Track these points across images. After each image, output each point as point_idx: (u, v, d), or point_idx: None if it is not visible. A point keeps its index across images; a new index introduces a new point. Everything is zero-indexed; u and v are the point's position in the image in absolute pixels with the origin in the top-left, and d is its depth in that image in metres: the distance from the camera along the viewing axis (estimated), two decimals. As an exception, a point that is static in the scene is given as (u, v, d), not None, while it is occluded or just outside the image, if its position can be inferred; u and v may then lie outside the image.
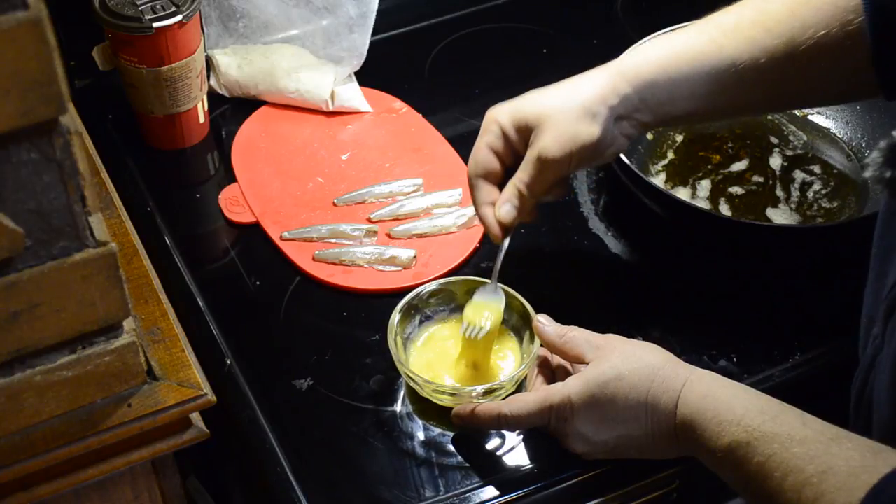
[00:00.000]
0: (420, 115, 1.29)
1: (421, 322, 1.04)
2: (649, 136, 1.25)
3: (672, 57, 0.98)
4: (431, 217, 1.17)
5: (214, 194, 1.20)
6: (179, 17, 1.15)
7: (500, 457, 0.97)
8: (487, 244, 1.13)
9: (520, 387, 0.99)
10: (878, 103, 1.23)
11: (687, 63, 0.98)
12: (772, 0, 0.98)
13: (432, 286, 1.04)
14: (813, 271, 1.12)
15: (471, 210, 1.16)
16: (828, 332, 1.07)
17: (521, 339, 1.02)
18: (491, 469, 0.96)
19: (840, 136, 1.25)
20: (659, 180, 1.20)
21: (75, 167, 0.70)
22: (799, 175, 1.22)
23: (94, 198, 0.73)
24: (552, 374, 0.98)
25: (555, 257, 1.14)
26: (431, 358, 1.02)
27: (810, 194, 1.19)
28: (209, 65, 1.29)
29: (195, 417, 0.87)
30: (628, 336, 1.05)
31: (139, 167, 1.23)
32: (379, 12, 1.25)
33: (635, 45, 1.06)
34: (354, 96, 1.29)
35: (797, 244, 1.13)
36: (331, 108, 1.28)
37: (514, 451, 0.97)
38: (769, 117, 1.28)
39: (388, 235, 1.15)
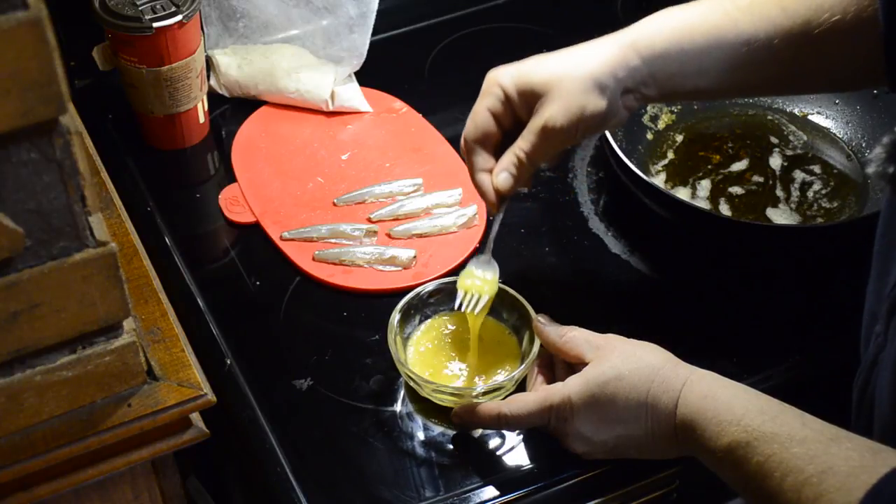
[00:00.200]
0: (420, 115, 1.29)
1: (421, 322, 1.04)
2: (649, 135, 1.25)
3: (686, 30, 0.96)
4: (431, 217, 1.17)
5: (214, 194, 1.20)
6: (179, 17, 1.15)
7: (500, 457, 0.97)
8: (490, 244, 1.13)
9: (520, 387, 0.99)
10: (878, 103, 1.23)
11: (701, 36, 0.95)
12: None
13: (432, 286, 1.04)
14: (813, 271, 1.12)
15: (471, 210, 1.16)
16: (828, 331, 1.07)
17: (521, 339, 1.02)
18: (491, 469, 0.96)
19: (840, 136, 1.25)
20: (659, 180, 1.20)
21: (75, 167, 0.70)
22: (799, 175, 1.22)
23: (94, 198, 0.73)
24: (552, 374, 0.98)
25: (555, 257, 1.14)
26: (429, 349, 1.02)
27: (810, 194, 1.19)
28: (209, 65, 1.29)
29: (195, 417, 0.87)
30: (628, 336, 1.05)
31: (139, 167, 1.23)
32: (379, 12, 1.25)
33: (649, 18, 1.00)
34: (354, 96, 1.29)
35: (797, 244, 1.13)
36: (331, 108, 1.28)
37: (514, 451, 0.97)
38: (769, 117, 1.28)
39: (388, 235, 1.15)
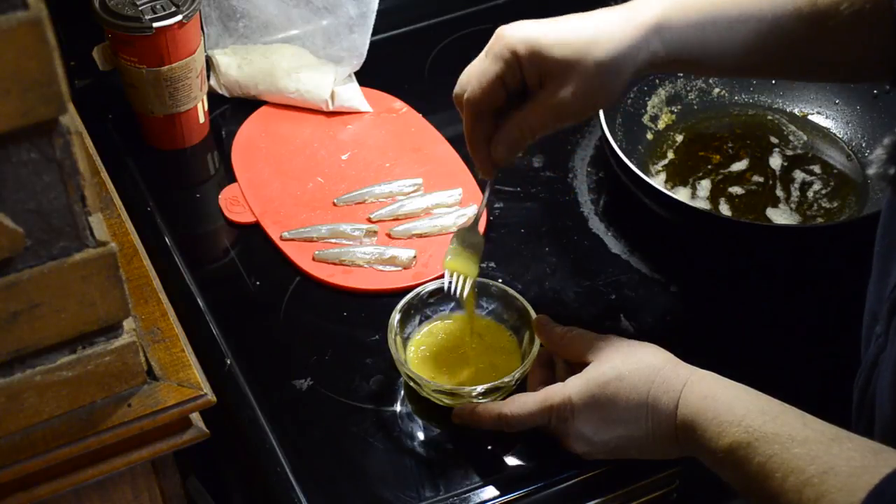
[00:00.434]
0: (420, 115, 1.29)
1: (421, 322, 1.04)
2: (649, 135, 1.25)
3: (713, 8, 0.91)
4: (431, 217, 1.17)
5: (214, 194, 1.20)
6: (179, 17, 1.15)
7: (500, 457, 0.97)
8: (487, 244, 1.13)
9: (520, 387, 0.99)
10: (879, 103, 1.23)
11: (727, 15, 0.91)
12: None
13: (432, 286, 1.04)
14: (813, 271, 1.12)
15: (471, 210, 1.16)
16: (828, 331, 1.07)
17: (521, 339, 1.02)
18: (491, 469, 0.96)
19: (840, 136, 1.25)
20: (659, 180, 1.20)
21: (75, 167, 0.70)
22: (799, 175, 1.22)
23: (94, 198, 0.73)
24: (552, 374, 0.98)
25: (555, 257, 1.14)
26: (429, 349, 1.02)
27: (810, 194, 1.19)
28: (209, 65, 1.29)
29: (195, 417, 0.87)
30: (628, 336, 1.05)
31: (139, 167, 1.23)
32: (379, 12, 1.25)
33: None
34: (354, 96, 1.29)
35: (797, 244, 1.13)
36: (331, 108, 1.28)
37: (514, 451, 0.97)
38: (769, 117, 1.28)
39: (388, 235, 1.15)
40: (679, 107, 1.28)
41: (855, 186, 1.20)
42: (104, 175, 1.04)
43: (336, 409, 1.00)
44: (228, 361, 1.04)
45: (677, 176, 1.22)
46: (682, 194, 1.19)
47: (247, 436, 0.99)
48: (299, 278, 1.12)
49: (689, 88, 1.29)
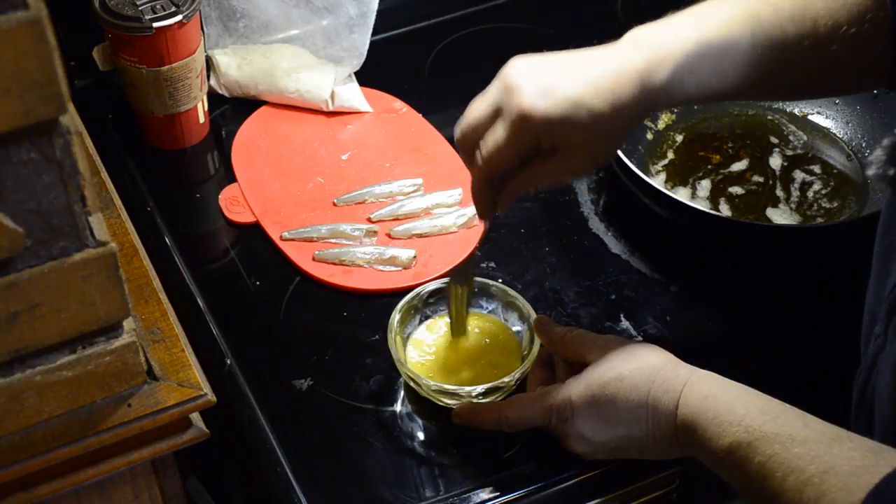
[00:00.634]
0: (420, 115, 1.29)
1: (421, 322, 1.04)
2: (649, 135, 1.25)
3: (713, 41, 0.91)
4: (431, 217, 1.17)
5: (214, 194, 1.20)
6: (179, 17, 1.15)
7: (500, 457, 0.97)
8: (487, 244, 1.13)
9: (520, 387, 0.99)
10: (879, 103, 1.23)
11: (723, 47, 0.91)
12: None
13: (432, 286, 1.04)
14: (813, 271, 1.12)
15: (471, 210, 1.16)
16: (828, 331, 1.07)
17: (521, 339, 1.02)
18: (491, 469, 0.96)
19: (840, 136, 1.25)
20: (659, 180, 1.20)
21: (75, 167, 0.70)
22: (799, 175, 1.22)
23: (94, 198, 0.73)
24: (552, 374, 0.98)
25: (555, 257, 1.14)
26: (429, 349, 1.02)
27: (810, 194, 1.19)
28: (209, 65, 1.29)
29: (195, 417, 0.87)
30: (628, 336, 1.05)
31: (139, 167, 1.23)
32: (379, 12, 1.25)
33: (675, 27, 0.93)
34: (354, 96, 1.29)
35: (797, 244, 1.13)
36: (331, 108, 1.28)
37: (514, 451, 0.97)
38: (769, 117, 1.28)
39: (388, 235, 1.15)
40: (679, 107, 1.28)
41: (855, 186, 1.20)
42: (104, 175, 1.04)
43: (336, 409, 1.00)
44: (228, 361, 1.04)
45: (677, 176, 1.22)
46: (682, 194, 1.19)
47: (247, 436, 0.99)
48: (299, 278, 1.12)
49: (689, 88, 1.29)
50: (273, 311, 1.09)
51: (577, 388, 0.91)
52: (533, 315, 1.00)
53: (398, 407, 1.01)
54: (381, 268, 1.12)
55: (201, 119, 1.26)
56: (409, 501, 0.94)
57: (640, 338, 1.05)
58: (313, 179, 1.22)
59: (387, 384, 1.02)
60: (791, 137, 1.26)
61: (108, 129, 1.27)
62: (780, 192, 1.20)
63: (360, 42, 1.26)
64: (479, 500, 0.94)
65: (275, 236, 1.15)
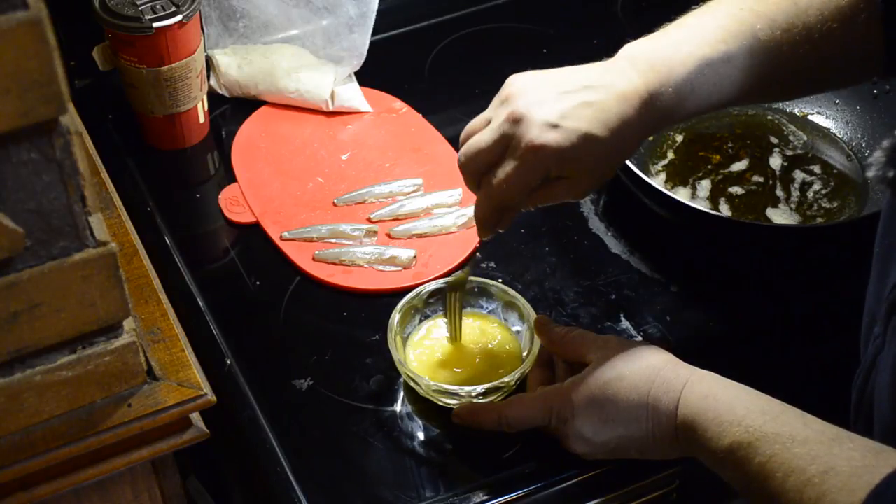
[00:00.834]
0: (420, 115, 1.29)
1: (421, 322, 1.04)
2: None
3: (707, 53, 0.92)
4: (431, 217, 1.17)
5: (214, 194, 1.20)
6: (179, 17, 1.15)
7: (500, 457, 0.97)
8: (487, 244, 1.13)
9: (520, 387, 0.99)
10: (879, 103, 1.23)
11: (721, 55, 0.92)
12: None
13: (432, 286, 1.04)
14: (813, 271, 1.12)
15: (471, 210, 1.16)
16: (828, 332, 1.07)
17: (521, 339, 1.02)
18: (491, 469, 0.96)
19: (840, 136, 1.25)
20: (659, 180, 1.20)
21: (75, 167, 0.70)
22: (799, 175, 1.22)
23: (94, 198, 0.73)
24: (552, 374, 0.98)
25: (555, 257, 1.14)
26: (429, 349, 1.02)
27: (810, 194, 1.19)
28: (209, 65, 1.29)
29: (195, 417, 0.87)
30: (628, 336, 1.05)
31: (139, 167, 1.23)
32: (379, 12, 1.25)
33: (671, 42, 0.93)
34: (354, 96, 1.29)
35: (797, 244, 1.13)
36: (331, 108, 1.28)
37: (514, 451, 0.97)
38: (769, 117, 1.28)
39: (388, 235, 1.15)
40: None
41: (855, 186, 1.20)
42: (104, 175, 1.04)
43: (336, 409, 1.00)
44: (228, 361, 1.04)
45: (677, 176, 1.22)
46: (682, 194, 1.19)
47: (247, 436, 0.99)
48: (299, 278, 1.12)
49: (689, 88, 1.29)
50: (273, 311, 1.09)
51: (577, 388, 0.91)
52: (533, 315, 1.00)
53: (398, 407, 1.01)
54: (381, 268, 1.12)
55: (201, 119, 1.26)
56: (409, 501, 0.94)
57: (640, 338, 1.06)
58: (313, 179, 1.22)
59: (387, 384, 1.02)
60: (791, 137, 1.26)
61: (108, 129, 1.27)
62: (780, 192, 1.20)
63: (360, 42, 1.26)
64: (479, 500, 0.94)
65: (275, 236, 1.15)
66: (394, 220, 1.17)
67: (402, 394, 1.02)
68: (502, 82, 0.94)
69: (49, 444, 0.80)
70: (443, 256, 1.13)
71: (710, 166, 1.23)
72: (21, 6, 0.62)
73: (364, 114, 1.29)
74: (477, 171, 0.92)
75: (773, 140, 1.26)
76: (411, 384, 0.99)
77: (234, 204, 1.19)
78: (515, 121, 0.89)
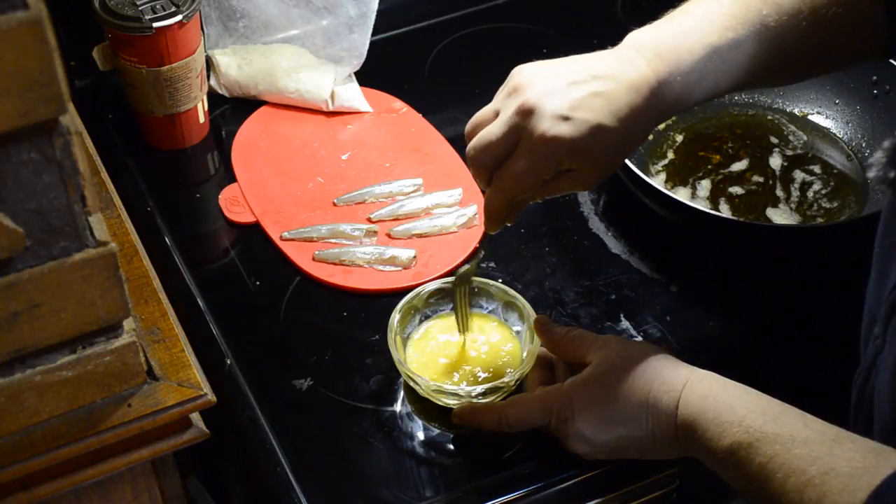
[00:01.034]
0: (420, 115, 1.29)
1: (421, 322, 1.04)
2: (649, 136, 1.25)
3: (715, 42, 0.91)
4: (431, 217, 1.17)
5: (214, 194, 1.20)
6: (179, 17, 1.15)
7: (500, 457, 0.97)
8: (488, 244, 1.13)
9: (520, 387, 0.99)
10: (879, 103, 1.23)
11: (728, 43, 0.92)
12: None
13: (432, 286, 1.04)
14: (813, 271, 1.12)
15: (471, 210, 1.16)
16: (828, 332, 1.07)
17: (521, 339, 1.02)
18: (491, 469, 0.96)
19: (840, 136, 1.25)
20: (659, 180, 1.20)
21: (75, 167, 0.70)
22: (799, 175, 1.22)
23: (94, 198, 0.73)
24: (552, 374, 0.98)
25: (555, 257, 1.14)
26: (429, 349, 1.02)
27: (810, 194, 1.19)
28: (209, 65, 1.29)
29: (195, 417, 0.87)
30: (628, 336, 1.05)
31: (139, 167, 1.23)
32: (379, 12, 1.25)
33: (678, 31, 0.93)
34: (354, 96, 1.29)
35: (797, 244, 1.13)
36: (331, 108, 1.28)
37: (514, 451, 0.97)
38: (769, 117, 1.28)
39: (388, 235, 1.15)
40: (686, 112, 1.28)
41: (855, 186, 1.20)
42: (104, 175, 1.04)
43: (336, 409, 1.00)
44: (228, 361, 1.04)
45: (677, 176, 1.22)
46: (682, 194, 1.19)
47: (247, 436, 0.99)
48: (299, 278, 1.12)
49: (689, 88, 1.29)
50: (273, 311, 1.09)
51: (577, 388, 0.91)
52: (533, 315, 1.00)
53: (398, 407, 1.01)
54: (381, 268, 1.12)
55: (201, 119, 1.26)
56: (409, 501, 0.94)
57: (640, 338, 1.06)
58: (313, 179, 1.22)
59: (387, 384, 1.02)
60: (791, 137, 1.26)
61: (108, 129, 1.27)
62: (780, 192, 1.20)
63: (360, 42, 1.26)
64: (479, 500, 0.94)
65: (275, 236, 1.15)
66: (394, 220, 1.17)
67: (402, 394, 1.02)
68: (502, 82, 0.94)
69: (49, 444, 0.80)
70: (443, 256, 1.13)
71: (710, 166, 1.23)
72: (21, 6, 0.62)
73: (364, 114, 1.29)
74: (487, 165, 0.91)
75: (773, 140, 1.26)
76: (411, 384, 0.99)
77: (234, 204, 1.19)
78: (526, 113, 0.88)
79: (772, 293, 1.11)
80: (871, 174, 0.80)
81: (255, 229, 1.17)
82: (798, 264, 1.13)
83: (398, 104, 1.30)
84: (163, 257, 1.13)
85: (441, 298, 1.04)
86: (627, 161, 1.11)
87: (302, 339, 1.07)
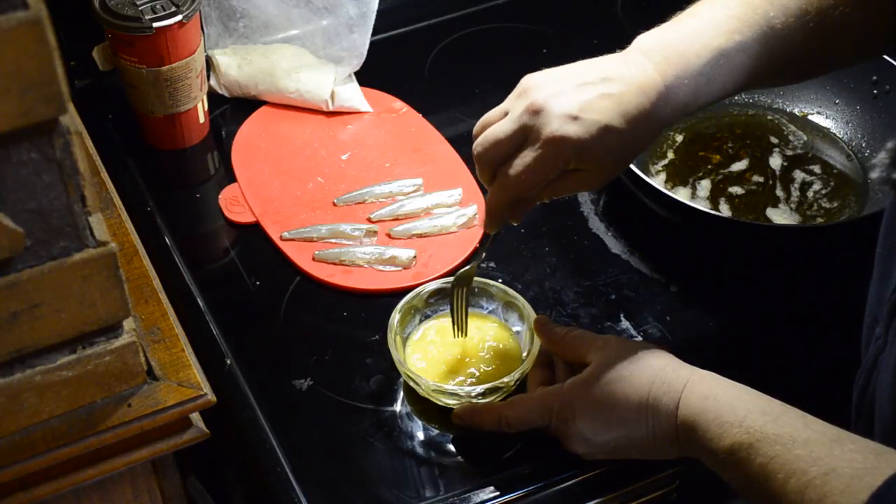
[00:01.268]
0: (420, 115, 1.29)
1: (421, 322, 1.04)
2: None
3: (720, 45, 0.92)
4: (431, 217, 1.17)
5: (214, 194, 1.20)
6: (179, 17, 1.15)
7: (500, 457, 0.97)
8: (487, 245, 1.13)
9: (520, 387, 0.99)
10: (879, 103, 1.23)
11: (735, 45, 0.92)
12: None
13: (432, 286, 1.04)
14: (813, 271, 1.12)
15: (471, 210, 1.16)
16: (828, 332, 1.07)
17: (521, 339, 1.02)
18: (491, 469, 0.96)
19: (840, 136, 1.25)
20: (659, 180, 1.20)
21: (75, 167, 0.70)
22: (799, 175, 1.22)
23: (94, 198, 0.73)
24: (552, 374, 0.98)
25: (555, 257, 1.14)
26: (429, 349, 1.02)
27: (810, 194, 1.19)
28: (209, 65, 1.29)
29: (195, 417, 0.87)
30: (628, 336, 1.05)
31: (139, 167, 1.23)
32: (379, 12, 1.25)
33: (683, 36, 0.93)
34: (354, 96, 1.29)
35: (797, 244, 1.13)
36: (331, 108, 1.28)
37: (514, 451, 0.97)
38: (769, 117, 1.28)
39: (388, 235, 1.15)
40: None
41: (855, 186, 1.20)
42: (104, 175, 1.04)
43: (336, 409, 1.00)
44: (228, 361, 1.04)
45: (677, 176, 1.22)
46: (682, 194, 1.19)
47: (247, 436, 0.99)
48: (299, 278, 1.12)
49: (689, 88, 1.29)
50: (273, 311, 1.09)
51: (577, 388, 0.91)
52: (533, 315, 1.00)
53: (398, 407, 1.01)
54: (381, 268, 1.12)
55: (201, 119, 1.26)
56: (409, 501, 0.94)
57: (640, 338, 1.06)
58: (313, 179, 1.22)
59: (387, 384, 1.02)
60: (791, 137, 1.26)
61: (108, 129, 1.27)
62: (780, 192, 1.20)
63: (360, 42, 1.26)
64: (479, 500, 0.94)
65: (275, 236, 1.15)
66: (394, 220, 1.17)
67: (402, 394, 1.02)
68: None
69: (49, 444, 0.80)
70: (443, 256, 1.13)
71: (710, 166, 1.23)
72: (21, 6, 0.62)
73: (364, 114, 1.29)
74: (493, 162, 0.91)
75: (773, 140, 1.26)
76: (411, 384, 0.99)
77: (234, 204, 1.19)
78: (535, 112, 0.89)
79: (772, 293, 1.11)
80: (874, 175, 0.80)
81: (255, 229, 1.17)
82: (798, 264, 1.13)
83: (398, 104, 1.30)
84: (163, 257, 1.13)
85: (441, 298, 1.04)
86: (628, 161, 1.12)
87: (302, 339, 1.07)
